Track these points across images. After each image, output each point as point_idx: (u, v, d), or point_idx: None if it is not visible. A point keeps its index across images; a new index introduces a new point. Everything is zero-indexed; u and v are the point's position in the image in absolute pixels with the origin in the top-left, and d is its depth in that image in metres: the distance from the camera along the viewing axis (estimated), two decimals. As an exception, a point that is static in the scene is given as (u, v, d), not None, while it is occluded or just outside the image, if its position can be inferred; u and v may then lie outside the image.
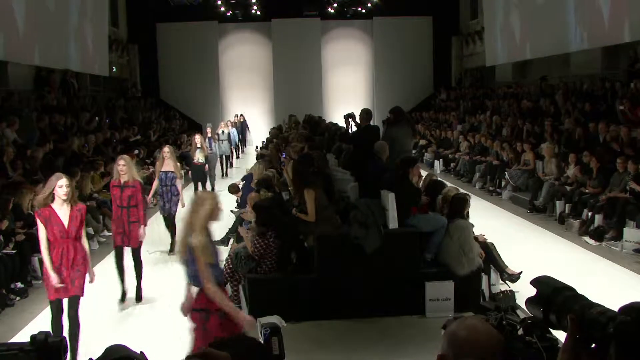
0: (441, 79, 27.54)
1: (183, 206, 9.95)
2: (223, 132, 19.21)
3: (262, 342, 2.79)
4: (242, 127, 25.38)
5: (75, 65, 18.66)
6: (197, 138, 13.44)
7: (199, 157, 13.36)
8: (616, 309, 1.55)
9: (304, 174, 7.62)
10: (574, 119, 14.34)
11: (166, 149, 10.25)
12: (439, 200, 7.93)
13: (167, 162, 10.02)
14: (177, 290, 8.29)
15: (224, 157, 19.24)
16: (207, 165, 13.74)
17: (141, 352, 1.68)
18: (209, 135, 16.20)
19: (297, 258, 7.40)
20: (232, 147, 20.81)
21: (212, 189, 15.36)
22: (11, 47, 14.57)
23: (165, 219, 10.26)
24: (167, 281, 8.91)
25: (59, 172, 11.46)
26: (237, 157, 23.61)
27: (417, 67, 27.55)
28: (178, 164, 10.45)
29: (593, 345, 1.51)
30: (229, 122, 21.97)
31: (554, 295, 1.66)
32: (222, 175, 18.38)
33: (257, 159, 13.43)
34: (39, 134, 12.98)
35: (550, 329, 1.82)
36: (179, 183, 10.04)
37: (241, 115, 26.34)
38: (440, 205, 7.89)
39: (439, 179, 9.45)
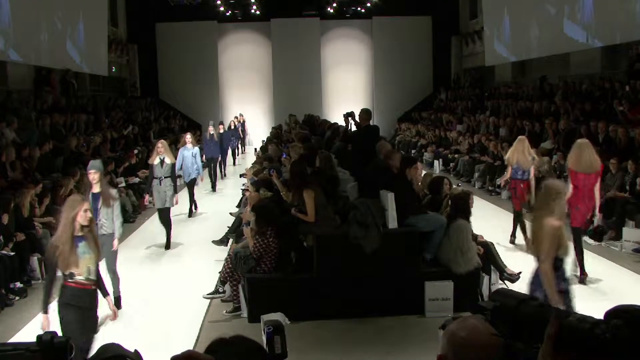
0: (441, 78, 27.55)
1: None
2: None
3: (265, 340, 2.79)
4: (240, 129, 24.50)
5: (74, 65, 18.66)
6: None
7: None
8: (616, 309, 1.55)
9: (303, 174, 7.62)
10: (573, 119, 14.36)
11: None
12: (445, 199, 7.93)
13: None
14: (164, 294, 8.33)
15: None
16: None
17: (135, 350, 1.68)
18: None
19: (296, 258, 7.41)
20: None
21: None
22: (11, 47, 14.57)
23: None
24: (155, 285, 8.93)
25: (59, 171, 11.57)
26: (233, 163, 21.91)
27: (417, 67, 27.55)
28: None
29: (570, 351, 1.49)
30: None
31: (520, 307, 1.64)
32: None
33: (256, 158, 13.34)
34: (38, 134, 12.98)
35: (517, 341, 1.79)
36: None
37: (240, 115, 26.17)
38: (445, 204, 7.89)
39: (439, 175, 9.41)
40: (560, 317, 1.50)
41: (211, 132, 16.65)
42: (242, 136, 24.72)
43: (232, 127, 22.27)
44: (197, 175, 12.93)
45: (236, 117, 24.91)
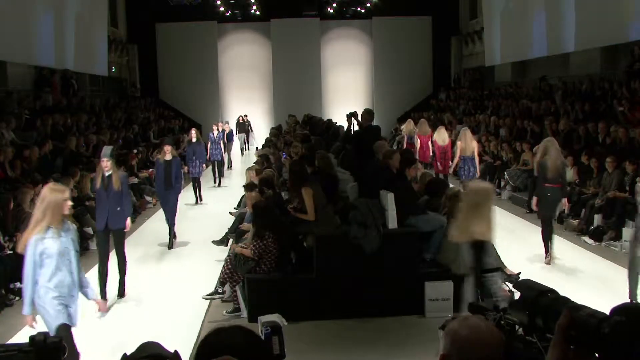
0: (440, 79, 27.54)
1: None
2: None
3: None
4: (231, 132, 21.56)
5: (74, 65, 18.65)
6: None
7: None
8: (621, 307, 1.54)
9: (302, 173, 7.62)
10: (573, 119, 14.37)
11: None
12: (443, 200, 7.92)
13: None
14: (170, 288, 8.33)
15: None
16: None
17: (175, 351, 1.68)
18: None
19: (296, 258, 7.41)
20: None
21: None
22: (11, 47, 14.57)
23: None
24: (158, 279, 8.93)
25: (59, 172, 11.57)
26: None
27: (417, 67, 27.55)
28: None
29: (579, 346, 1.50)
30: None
31: (539, 299, 1.65)
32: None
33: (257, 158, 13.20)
34: (36, 134, 12.98)
35: (535, 332, 1.80)
36: None
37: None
38: (443, 204, 7.89)
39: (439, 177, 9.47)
40: (572, 310, 1.51)
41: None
42: (226, 142, 19.93)
43: (216, 133, 17.91)
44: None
45: (222, 122, 20.72)
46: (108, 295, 7.70)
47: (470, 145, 12.49)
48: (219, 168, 17.76)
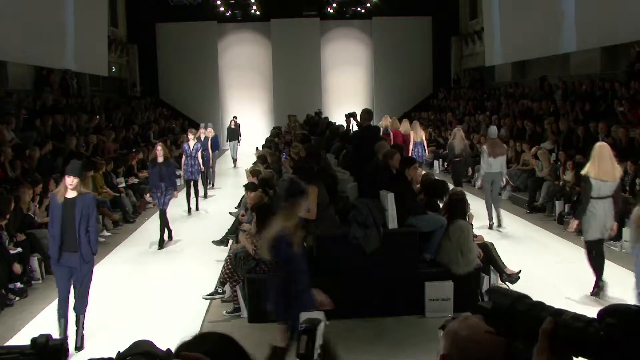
0: (440, 79, 27.57)
1: None
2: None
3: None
4: (216, 138, 17.61)
5: (74, 65, 18.66)
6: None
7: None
8: (610, 309, 1.53)
9: (309, 171, 7.62)
10: (573, 119, 14.37)
11: None
12: (446, 201, 7.93)
13: None
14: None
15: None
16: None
17: (168, 349, 1.67)
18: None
19: (296, 258, 7.40)
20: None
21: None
22: (11, 47, 14.57)
23: None
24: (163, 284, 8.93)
25: (59, 172, 11.57)
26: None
27: (417, 67, 27.56)
28: None
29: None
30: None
31: (515, 305, 1.63)
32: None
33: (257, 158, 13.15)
34: (36, 134, 12.99)
35: (514, 340, 1.79)
36: None
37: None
38: (445, 205, 7.89)
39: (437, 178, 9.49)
40: (554, 315, 1.50)
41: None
42: (210, 151, 15.83)
43: (192, 143, 13.79)
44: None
45: (202, 127, 17.20)
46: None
47: (419, 134, 15.87)
48: (197, 189, 13.72)
